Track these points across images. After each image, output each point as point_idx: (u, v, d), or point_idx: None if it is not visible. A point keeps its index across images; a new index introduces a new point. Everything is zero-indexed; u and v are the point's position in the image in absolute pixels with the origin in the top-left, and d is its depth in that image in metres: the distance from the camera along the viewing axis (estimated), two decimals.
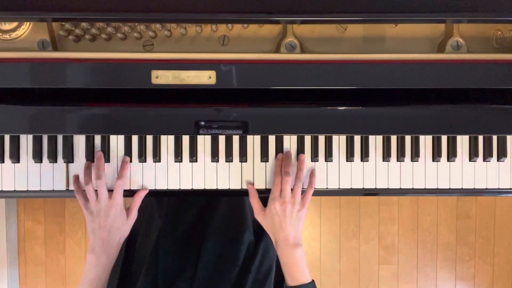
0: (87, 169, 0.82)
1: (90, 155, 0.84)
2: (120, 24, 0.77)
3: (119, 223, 0.79)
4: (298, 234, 0.79)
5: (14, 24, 0.76)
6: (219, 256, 0.85)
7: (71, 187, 0.83)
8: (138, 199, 0.83)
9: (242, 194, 0.86)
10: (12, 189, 0.84)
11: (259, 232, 0.91)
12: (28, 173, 0.84)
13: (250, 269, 0.84)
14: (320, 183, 0.86)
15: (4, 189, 0.84)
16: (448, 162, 0.87)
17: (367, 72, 0.74)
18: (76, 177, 0.83)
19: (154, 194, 0.85)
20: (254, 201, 0.82)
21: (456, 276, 1.88)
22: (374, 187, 0.86)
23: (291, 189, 0.80)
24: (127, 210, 0.82)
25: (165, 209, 0.94)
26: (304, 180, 0.83)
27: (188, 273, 0.83)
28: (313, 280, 0.78)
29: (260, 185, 0.86)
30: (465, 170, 0.87)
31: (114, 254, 0.80)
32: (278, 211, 0.78)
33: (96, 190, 0.79)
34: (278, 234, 0.78)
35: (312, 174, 0.84)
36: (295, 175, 0.82)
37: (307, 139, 0.86)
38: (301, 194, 0.81)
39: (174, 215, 0.92)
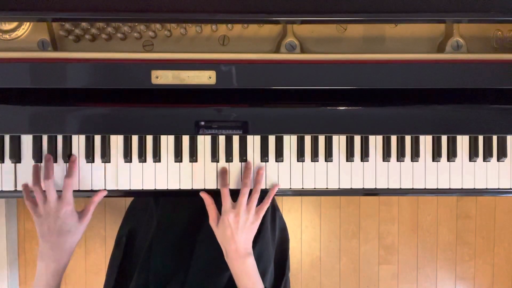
0: (35, 170, 0.80)
1: (38, 157, 0.83)
2: (120, 24, 0.77)
3: (70, 225, 0.76)
4: (249, 244, 0.78)
5: (14, 24, 0.76)
6: (211, 260, 0.84)
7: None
8: (96, 200, 0.81)
9: None
10: (12, 189, 0.84)
11: (256, 234, 0.91)
12: (28, 173, 0.84)
13: None
14: (320, 183, 0.86)
15: (4, 189, 0.84)
16: (448, 162, 0.87)
17: (367, 72, 0.74)
18: (25, 185, 0.81)
19: (154, 194, 0.85)
20: (211, 208, 0.80)
21: (456, 276, 1.88)
22: (374, 187, 0.86)
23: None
24: (81, 212, 0.80)
25: (160, 211, 0.94)
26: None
27: (180, 277, 0.82)
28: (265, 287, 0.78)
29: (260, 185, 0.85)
30: (465, 170, 0.87)
31: (65, 260, 0.77)
32: (231, 223, 0.76)
33: (45, 192, 0.76)
34: (229, 245, 0.76)
35: (273, 188, 0.83)
36: (254, 187, 0.81)
37: (307, 139, 0.86)
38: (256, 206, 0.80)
39: (168, 218, 0.92)
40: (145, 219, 0.97)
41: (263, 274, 0.86)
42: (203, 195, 0.81)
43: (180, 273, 0.83)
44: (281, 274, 0.94)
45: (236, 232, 0.76)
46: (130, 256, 0.92)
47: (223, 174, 0.83)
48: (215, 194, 0.83)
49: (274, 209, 1.02)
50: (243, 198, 0.78)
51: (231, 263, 0.77)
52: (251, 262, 0.77)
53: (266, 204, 0.81)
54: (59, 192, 0.78)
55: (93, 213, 0.82)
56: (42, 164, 0.83)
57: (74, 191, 0.83)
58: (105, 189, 0.83)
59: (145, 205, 1.01)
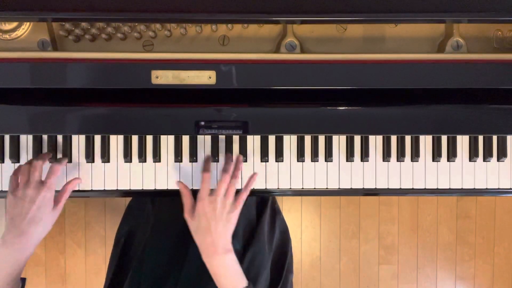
0: (28, 162, 0.76)
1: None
2: (120, 24, 0.77)
3: (43, 212, 0.71)
4: (228, 239, 0.73)
5: (14, 24, 0.76)
6: (204, 263, 0.79)
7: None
8: (70, 188, 0.77)
9: None
10: None
11: (248, 240, 0.90)
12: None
13: None
14: (320, 183, 0.86)
15: (4, 189, 0.84)
16: (448, 162, 0.87)
17: (367, 72, 0.74)
18: (18, 166, 0.76)
19: (154, 194, 0.85)
20: (187, 199, 0.76)
21: (456, 276, 1.88)
22: (374, 187, 0.86)
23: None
24: (55, 201, 0.75)
25: (155, 213, 0.93)
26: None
27: (172, 280, 0.81)
28: (249, 283, 0.72)
29: (261, 185, 0.85)
30: (465, 170, 0.87)
31: (30, 250, 0.70)
32: (206, 211, 0.71)
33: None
34: (204, 238, 0.70)
35: (252, 177, 0.80)
36: (232, 173, 0.77)
37: (307, 139, 0.86)
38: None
39: (163, 221, 0.91)
40: (143, 219, 0.96)
41: (255, 278, 0.84)
42: (180, 185, 0.77)
43: (173, 275, 0.81)
44: (278, 277, 0.91)
45: (213, 223, 0.71)
46: (128, 256, 0.92)
47: (207, 160, 0.80)
48: None
49: (274, 212, 1.01)
50: (223, 184, 0.74)
51: (209, 261, 0.71)
52: (231, 258, 0.72)
53: (245, 193, 0.78)
54: (56, 192, 0.76)
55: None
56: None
57: (74, 191, 0.83)
58: (79, 178, 0.79)
59: (143, 205, 1.01)
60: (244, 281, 0.73)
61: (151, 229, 0.90)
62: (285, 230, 1.03)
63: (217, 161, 0.85)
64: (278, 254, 0.96)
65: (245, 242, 0.90)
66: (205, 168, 0.78)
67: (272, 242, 0.96)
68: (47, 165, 0.78)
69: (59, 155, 0.84)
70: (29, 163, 0.76)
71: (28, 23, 0.77)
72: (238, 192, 0.78)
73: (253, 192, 0.86)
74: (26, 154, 0.84)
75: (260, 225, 0.93)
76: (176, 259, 0.84)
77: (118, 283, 0.87)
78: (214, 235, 0.71)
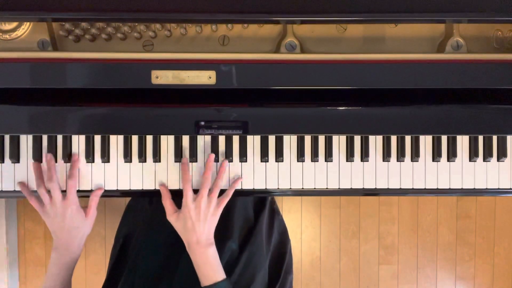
0: (37, 170, 0.81)
1: (38, 157, 0.83)
2: (120, 24, 0.77)
3: (78, 222, 0.80)
4: (210, 233, 0.79)
5: (14, 24, 0.76)
6: None
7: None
8: (96, 198, 0.83)
9: (243, 194, 0.86)
10: (12, 189, 0.84)
11: (245, 240, 0.90)
12: (28, 173, 0.84)
13: (230, 278, 0.82)
14: (320, 183, 0.86)
15: (4, 189, 0.84)
16: (448, 162, 0.87)
17: (367, 72, 0.74)
18: (22, 184, 0.82)
19: (154, 194, 0.85)
20: (167, 202, 0.81)
21: (456, 276, 1.88)
22: (374, 187, 0.86)
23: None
24: (84, 209, 0.82)
25: (148, 215, 0.93)
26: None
27: (167, 280, 0.81)
28: (226, 277, 0.77)
29: (261, 185, 0.85)
30: (465, 170, 0.87)
31: (77, 253, 0.81)
32: (192, 214, 0.77)
33: (49, 192, 0.79)
34: (190, 236, 0.77)
35: (235, 181, 0.84)
36: (214, 181, 0.82)
37: (307, 139, 0.86)
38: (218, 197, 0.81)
39: (156, 222, 0.91)
40: (141, 219, 0.96)
41: (251, 278, 0.86)
42: (161, 187, 0.82)
43: (167, 276, 0.82)
44: (277, 278, 0.92)
45: (197, 224, 0.77)
46: (126, 257, 0.92)
47: (184, 169, 0.81)
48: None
49: (273, 212, 1.01)
50: (204, 191, 0.79)
51: (193, 253, 0.77)
52: (212, 252, 0.77)
53: (228, 195, 0.82)
54: (63, 192, 0.80)
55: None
56: (43, 164, 0.83)
57: None
58: (102, 187, 0.84)
59: (142, 205, 1.01)
60: (222, 275, 0.77)
61: (146, 229, 0.90)
62: (284, 231, 1.02)
63: (217, 161, 0.85)
64: (276, 254, 0.96)
65: (241, 242, 0.90)
66: (186, 179, 0.80)
67: (270, 243, 0.95)
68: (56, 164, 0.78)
69: (59, 155, 0.84)
70: (40, 177, 0.81)
71: (28, 23, 0.77)
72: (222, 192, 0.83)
73: (253, 192, 0.86)
74: (26, 154, 0.84)
75: (258, 225, 0.93)
76: (170, 262, 0.85)
77: (115, 283, 0.87)
78: (199, 234, 0.77)
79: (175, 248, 0.85)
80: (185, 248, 0.79)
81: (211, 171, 0.82)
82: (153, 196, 0.86)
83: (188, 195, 0.78)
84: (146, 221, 0.93)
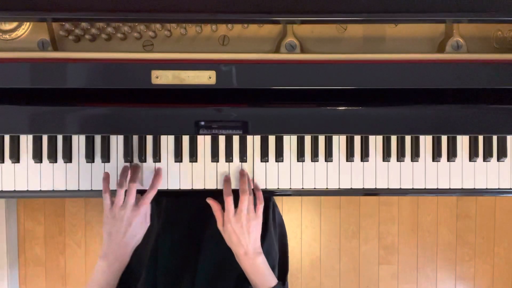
0: (124, 172, 0.82)
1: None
2: (120, 24, 0.76)
3: (138, 229, 0.80)
4: (257, 244, 0.80)
5: (14, 24, 0.76)
6: (220, 258, 0.85)
7: (71, 188, 0.83)
8: (150, 196, 0.81)
9: None
10: (12, 189, 0.84)
11: (262, 236, 0.91)
12: (28, 173, 0.84)
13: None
14: (320, 183, 0.86)
15: (4, 189, 0.84)
16: (448, 162, 0.87)
17: (367, 72, 0.74)
18: (107, 175, 0.81)
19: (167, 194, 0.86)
20: (218, 214, 0.81)
21: (456, 276, 1.88)
22: (374, 187, 0.86)
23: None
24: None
25: (163, 211, 0.94)
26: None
27: (189, 276, 0.83)
28: (279, 282, 0.79)
29: (261, 185, 0.86)
30: (465, 170, 0.87)
31: (126, 260, 0.80)
32: (235, 229, 0.78)
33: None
34: (238, 249, 0.79)
35: (256, 188, 0.84)
36: (242, 191, 0.81)
37: (307, 139, 0.86)
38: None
39: (172, 217, 0.92)
40: (155, 217, 0.97)
41: (272, 269, 0.87)
42: (210, 201, 0.82)
43: (189, 271, 0.83)
44: (285, 268, 0.95)
45: (242, 237, 0.78)
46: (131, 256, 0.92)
47: (226, 183, 0.84)
48: (217, 194, 0.83)
49: (273, 205, 1.02)
50: (243, 205, 0.79)
51: (243, 264, 0.79)
52: (261, 261, 0.79)
53: (262, 205, 0.82)
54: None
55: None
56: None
57: (74, 191, 0.83)
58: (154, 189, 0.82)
59: (152, 204, 1.01)
60: (274, 280, 0.79)
61: (160, 228, 0.91)
62: (281, 223, 1.05)
63: (217, 161, 0.85)
64: (280, 246, 0.98)
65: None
66: (227, 192, 0.81)
67: (276, 235, 0.98)
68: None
69: (59, 155, 0.84)
70: (124, 177, 0.81)
71: (28, 23, 0.76)
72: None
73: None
74: (26, 154, 0.84)
75: (269, 219, 0.94)
76: (190, 256, 0.86)
77: (126, 284, 0.87)
78: (246, 246, 0.79)
79: (192, 241, 0.87)
80: (203, 239, 0.81)
81: (245, 184, 0.82)
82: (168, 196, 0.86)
83: (230, 211, 0.79)
84: (160, 219, 0.94)
